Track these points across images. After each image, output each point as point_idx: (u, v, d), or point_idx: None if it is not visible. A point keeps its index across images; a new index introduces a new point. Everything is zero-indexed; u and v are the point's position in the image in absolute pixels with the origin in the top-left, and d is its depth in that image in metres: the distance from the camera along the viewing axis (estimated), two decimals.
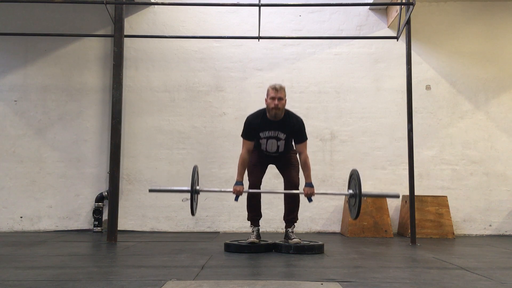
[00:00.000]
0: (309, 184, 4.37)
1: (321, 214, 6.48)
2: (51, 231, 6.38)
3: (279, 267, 3.63)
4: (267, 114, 4.41)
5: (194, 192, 4.25)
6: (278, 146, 4.47)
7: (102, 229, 6.33)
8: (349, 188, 4.48)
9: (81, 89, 6.68)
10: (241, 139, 4.53)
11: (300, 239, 4.46)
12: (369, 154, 6.58)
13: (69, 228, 6.46)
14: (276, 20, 6.73)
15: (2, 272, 3.31)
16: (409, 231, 5.35)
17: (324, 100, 6.66)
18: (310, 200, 4.39)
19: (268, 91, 4.39)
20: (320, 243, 4.48)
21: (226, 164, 6.50)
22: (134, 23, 6.75)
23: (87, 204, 6.49)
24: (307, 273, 3.35)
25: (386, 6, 6.70)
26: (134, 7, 6.75)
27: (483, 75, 6.71)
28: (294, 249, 4.29)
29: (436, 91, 6.68)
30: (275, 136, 4.43)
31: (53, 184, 6.53)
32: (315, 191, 4.38)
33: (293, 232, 4.53)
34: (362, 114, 6.64)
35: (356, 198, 4.25)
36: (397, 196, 4.77)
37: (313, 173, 6.49)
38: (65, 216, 6.48)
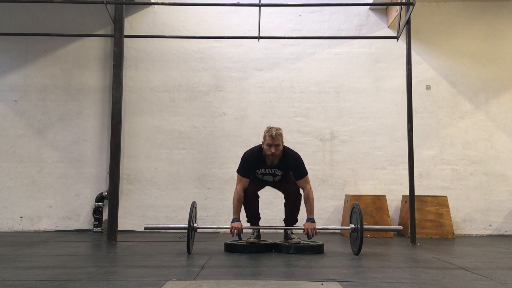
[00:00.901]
0: (310, 220, 4.34)
1: (321, 214, 6.47)
2: (51, 231, 6.38)
3: (279, 267, 3.63)
4: (265, 158, 4.41)
5: (191, 230, 4.22)
6: (274, 179, 4.52)
7: (102, 229, 6.33)
8: (350, 222, 4.45)
9: (81, 89, 6.68)
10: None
11: (300, 239, 4.45)
12: (369, 154, 6.58)
13: (69, 228, 6.46)
14: (276, 20, 6.73)
15: (2, 272, 3.31)
16: (409, 231, 5.35)
17: (324, 100, 6.66)
18: (309, 237, 4.36)
19: (265, 136, 4.33)
20: (320, 243, 4.48)
21: (226, 164, 6.50)
22: (134, 23, 6.75)
23: (87, 204, 6.49)
24: (307, 273, 3.35)
25: (386, 6, 6.70)
26: (134, 7, 6.75)
27: (483, 75, 6.71)
28: (294, 249, 4.29)
29: (436, 91, 6.68)
30: (271, 173, 4.47)
31: (53, 184, 6.53)
32: (315, 219, 4.40)
33: (292, 232, 4.52)
34: (362, 114, 6.64)
35: (358, 233, 4.22)
36: (399, 230, 4.74)
37: (313, 173, 6.52)
38: (65, 216, 6.48)
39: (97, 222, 6.37)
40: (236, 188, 4.43)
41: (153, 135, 6.61)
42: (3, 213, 6.47)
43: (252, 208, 4.50)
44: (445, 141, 6.61)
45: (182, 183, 6.54)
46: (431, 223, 6.02)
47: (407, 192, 5.47)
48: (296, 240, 4.41)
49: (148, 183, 6.53)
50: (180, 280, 2.95)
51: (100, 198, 6.41)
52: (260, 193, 4.61)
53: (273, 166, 4.40)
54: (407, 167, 5.38)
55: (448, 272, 3.46)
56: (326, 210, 6.49)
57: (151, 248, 4.73)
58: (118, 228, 5.35)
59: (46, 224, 6.47)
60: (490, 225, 6.49)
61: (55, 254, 4.31)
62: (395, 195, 6.47)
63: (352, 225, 4.36)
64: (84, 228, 6.46)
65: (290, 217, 4.53)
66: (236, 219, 4.35)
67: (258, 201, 4.54)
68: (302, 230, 4.38)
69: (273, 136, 4.25)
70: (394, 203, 6.46)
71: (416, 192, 5.45)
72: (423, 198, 6.09)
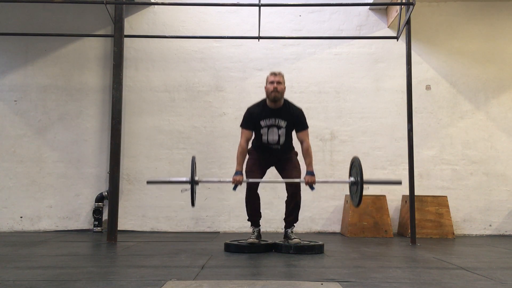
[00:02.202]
0: (310, 173, 4.40)
1: (321, 214, 6.48)
2: (51, 231, 6.38)
3: (279, 267, 3.63)
4: (267, 102, 4.47)
5: (193, 183, 4.27)
6: (279, 136, 4.47)
7: (102, 229, 6.33)
8: (350, 175, 4.50)
9: (81, 89, 6.68)
10: (241, 122, 4.55)
11: (300, 239, 4.45)
12: (369, 154, 6.58)
13: (69, 228, 6.46)
14: (276, 20, 6.73)
15: (2, 272, 3.31)
16: (409, 231, 5.35)
17: (324, 100, 6.66)
18: (312, 188, 4.42)
19: (267, 78, 4.48)
20: (320, 243, 4.48)
21: (226, 164, 6.50)
22: (134, 23, 6.75)
23: (87, 204, 6.49)
24: (307, 273, 3.35)
25: (386, 6, 6.70)
26: (134, 7, 6.75)
27: (483, 75, 6.71)
28: (294, 249, 4.29)
29: (436, 91, 6.68)
30: (275, 124, 4.45)
31: (53, 184, 6.53)
32: (315, 180, 4.40)
33: (292, 232, 4.52)
34: (362, 114, 6.64)
35: (358, 186, 4.27)
36: (399, 183, 4.77)
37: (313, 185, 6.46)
38: (65, 216, 6.49)
39: (97, 222, 6.37)
40: (240, 141, 4.48)
41: (153, 135, 6.61)
42: (3, 213, 6.47)
43: (253, 207, 4.50)
44: (445, 141, 6.61)
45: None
46: (431, 223, 6.02)
47: (407, 192, 5.47)
48: (296, 240, 4.41)
49: None
50: (180, 280, 2.95)
51: (100, 198, 6.41)
52: (260, 193, 4.58)
53: (276, 115, 4.42)
54: (407, 167, 5.38)
55: (448, 272, 3.46)
56: (326, 210, 6.49)
57: (151, 248, 4.73)
58: (118, 228, 5.35)
59: (46, 224, 6.47)
60: (490, 225, 6.49)
61: (55, 254, 4.31)
62: (395, 195, 6.47)
63: (352, 178, 4.40)
64: (84, 228, 6.46)
65: (292, 216, 4.52)
66: (239, 172, 4.38)
67: (259, 200, 4.53)
68: (304, 183, 4.40)
69: (275, 73, 4.42)
70: (394, 203, 6.46)
71: (416, 192, 5.45)
72: (423, 198, 6.09)
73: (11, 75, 6.67)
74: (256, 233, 4.51)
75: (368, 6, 6.71)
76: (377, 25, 6.77)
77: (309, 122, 6.50)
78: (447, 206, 6.11)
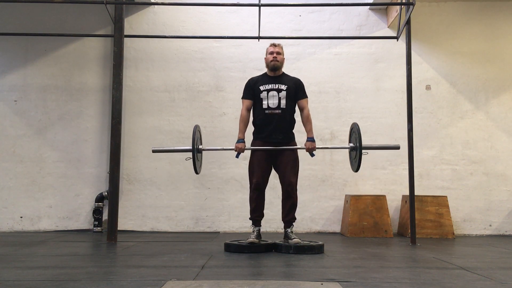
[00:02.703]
0: (310, 139, 4.53)
1: (321, 214, 6.48)
2: (51, 231, 6.38)
3: (279, 267, 3.63)
4: (267, 72, 4.64)
5: (196, 151, 4.41)
6: (279, 99, 4.51)
7: (102, 229, 6.33)
8: (350, 141, 4.63)
9: (81, 89, 6.68)
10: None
11: (300, 239, 4.46)
12: (369, 154, 6.52)
13: (69, 228, 6.46)
14: (276, 20, 6.73)
15: (2, 272, 3.31)
16: (409, 231, 5.35)
17: (324, 100, 6.66)
18: (312, 154, 4.55)
19: (267, 49, 4.66)
20: (320, 243, 4.48)
21: (226, 164, 6.50)
22: (134, 23, 6.75)
23: (87, 204, 6.49)
24: (307, 273, 3.35)
25: (386, 6, 6.70)
26: (134, 7, 6.75)
27: (483, 75, 6.71)
28: (294, 249, 4.29)
29: (436, 91, 6.68)
30: (275, 88, 4.54)
31: (53, 184, 6.53)
32: (316, 146, 4.55)
33: (292, 232, 4.52)
34: (362, 114, 6.64)
35: (357, 151, 4.41)
36: (397, 147, 4.81)
37: (313, 173, 6.52)
38: (65, 216, 6.49)
39: (97, 222, 6.37)
40: (241, 111, 4.63)
41: (153, 135, 6.61)
42: (3, 213, 6.47)
43: (257, 205, 4.52)
44: (445, 141, 6.62)
45: (182, 183, 6.54)
46: (431, 223, 6.02)
47: (407, 192, 5.47)
48: (296, 240, 4.41)
49: (148, 183, 6.53)
50: (180, 280, 2.95)
51: (100, 198, 6.41)
52: None
53: (276, 81, 4.55)
54: (407, 167, 5.38)
55: (448, 272, 3.46)
56: (326, 210, 6.49)
57: (151, 248, 4.73)
58: (118, 228, 5.36)
59: (46, 224, 6.47)
60: (490, 225, 6.49)
61: (55, 254, 4.31)
62: (395, 195, 6.47)
63: (351, 144, 4.54)
64: (84, 228, 6.47)
65: (289, 215, 4.52)
66: (241, 139, 4.53)
67: (264, 199, 4.56)
68: (305, 149, 4.54)
69: (275, 44, 4.63)
70: (394, 203, 6.46)
71: (416, 192, 5.45)
72: (423, 198, 6.09)
73: (11, 75, 6.67)
74: (256, 233, 4.51)
75: (368, 6, 6.71)
76: (377, 25, 6.77)
77: None
78: (447, 206, 6.11)
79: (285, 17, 6.77)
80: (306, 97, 4.69)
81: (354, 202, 6.03)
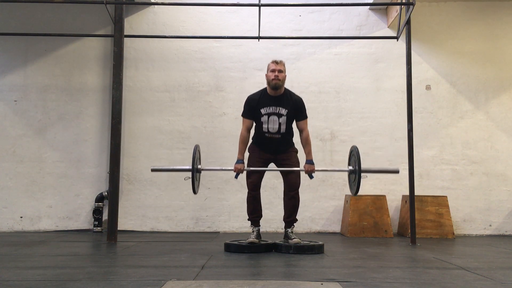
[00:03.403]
0: (309, 161, 4.45)
1: (321, 214, 6.48)
2: (51, 231, 6.38)
3: (279, 267, 3.63)
4: (268, 90, 4.50)
5: (195, 171, 4.37)
6: (279, 124, 4.46)
7: (102, 229, 6.33)
8: (349, 164, 4.56)
9: (81, 89, 6.68)
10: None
11: (300, 239, 4.45)
12: (369, 154, 6.57)
13: (69, 228, 6.46)
14: (276, 20, 6.73)
15: (2, 272, 3.31)
16: (409, 231, 5.35)
17: (324, 100, 6.66)
18: (311, 176, 4.48)
19: (268, 65, 4.51)
20: (320, 243, 4.48)
21: (226, 164, 6.44)
22: (134, 23, 6.75)
23: (87, 204, 6.49)
24: (307, 273, 3.35)
25: (386, 6, 6.70)
26: (134, 7, 6.75)
27: (483, 75, 6.71)
28: (294, 249, 4.29)
29: (436, 91, 6.68)
30: (276, 112, 4.45)
31: (53, 184, 6.53)
32: (315, 168, 4.48)
33: (292, 232, 4.52)
34: (362, 114, 6.64)
35: (356, 174, 4.33)
36: (396, 171, 4.81)
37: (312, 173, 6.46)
38: (65, 216, 6.49)
39: (97, 222, 6.37)
40: (241, 130, 4.53)
41: (153, 135, 6.61)
42: (3, 213, 6.47)
43: (254, 206, 4.51)
44: (445, 141, 6.62)
45: (182, 183, 6.48)
46: (431, 223, 6.02)
47: (407, 192, 5.47)
48: (296, 240, 4.41)
49: (148, 183, 6.53)
50: (180, 280, 2.95)
51: (100, 198, 6.41)
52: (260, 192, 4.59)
53: (276, 103, 4.44)
54: (407, 167, 5.38)
55: (448, 272, 3.46)
56: (326, 210, 6.49)
57: (151, 248, 4.73)
58: (118, 228, 5.35)
59: (46, 224, 6.47)
60: (490, 225, 6.49)
61: (55, 254, 4.31)
62: (395, 195, 6.47)
63: (350, 167, 4.46)
64: (84, 228, 6.47)
65: (291, 216, 4.52)
66: (240, 160, 4.46)
67: (260, 198, 4.54)
68: (304, 171, 4.47)
69: (277, 61, 4.46)
70: (394, 203, 6.46)
71: (416, 192, 5.45)
72: (423, 198, 6.09)
73: (11, 75, 6.67)
74: (255, 233, 4.51)
75: (368, 6, 6.71)
76: (377, 25, 6.77)
77: (309, 122, 6.55)
78: (447, 206, 6.11)
79: (285, 17, 6.77)
80: (306, 117, 4.54)
81: (354, 202, 6.03)
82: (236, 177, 4.50)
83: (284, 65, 4.50)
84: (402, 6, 5.58)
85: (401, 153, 6.38)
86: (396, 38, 5.95)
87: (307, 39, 6.60)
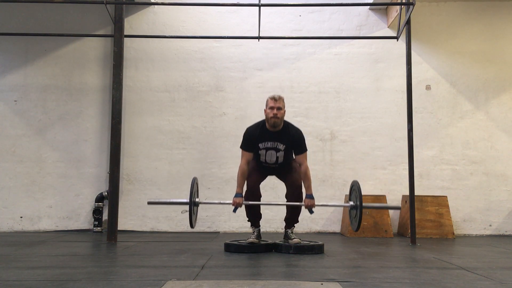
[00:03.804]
0: (309, 196, 4.35)
1: (321, 214, 6.47)
2: (51, 231, 6.38)
3: (279, 267, 3.63)
4: (266, 125, 4.41)
5: (193, 205, 4.25)
6: (277, 157, 4.45)
7: (102, 229, 6.33)
8: (350, 199, 4.48)
9: (81, 89, 6.68)
10: (240, 141, 4.51)
11: (300, 239, 4.45)
12: (369, 154, 6.58)
13: (69, 228, 6.46)
14: (276, 20, 6.73)
15: (2, 272, 3.31)
16: (409, 231, 5.35)
17: (324, 100, 6.66)
18: (311, 212, 4.39)
19: (267, 101, 4.40)
20: (320, 243, 4.48)
21: (226, 164, 6.50)
22: (134, 23, 6.75)
23: (87, 204, 6.49)
24: (307, 273, 3.35)
25: (386, 6, 6.70)
26: (134, 7, 6.75)
27: (483, 75, 6.70)
28: (294, 249, 4.29)
29: (436, 91, 6.68)
30: (274, 147, 4.41)
31: (53, 184, 6.53)
32: (315, 200, 4.36)
33: (293, 233, 4.52)
34: (362, 114, 6.64)
35: (357, 210, 4.25)
36: (398, 208, 4.77)
37: (313, 173, 6.48)
38: (65, 216, 6.48)
39: (97, 222, 6.37)
40: (240, 163, 4.45)
41: (153, 135, 6.61)
42: (3, 213, 6.47)
43: (252, 211, 4.50)
44: (445, 141, 6.61)
45: (182, 183, 6.53)
46: (431, 223, 6.02)
47: (407, 192, 5.47)
48: (296, 240, 4.40)
49: (148, 183, 6.53)
50: (180, 280, 2.95)
51: (100, 198, 6.41)
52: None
53: (275, 138, 4.38)
54: (407, 167, 5.38)
55: (448, 272, 3.46)
56: (326, 210, 6.49)
57: (151, 248, 4.73)
58: (118, 228, 5.35)
59: (46, 224, 6.47)
60: (490, 225, 6.49)
61: (55, 254, 4.31)
62: (395, 195, 6.47)
63: (352, 202, 4.39)
64: (84, 228, 6.46)
65: (292, 217, 4.52)
66: (239, 194, 4.36)
67: (259, 200, 4.52)
68: (304, 206, 4.40)
69: (276, 98, 4.36)
70: (394, 203, 6.45)
71: (416, 192, 5.45)
72: (423, 198, 6.09)
73: (11, 75, 6.67)
74: (256, 233, 4.51)
75: (368, 6, 6.71)
76: (377, 25, 6.77)
77: (309, 122, 6.59)
78: (447, 206, 6.11)
79: (285, 17, 6.77)
80: (305, 151, 4.44)
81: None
82: (234, 211, 4.38)
83: (283, 100, 4.38)
84: (402, 6, 5.58)
85: (401, 153, 6.38)
86: (396, 38, 5.95)
87: (307, 39, 6.60)
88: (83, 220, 6.49)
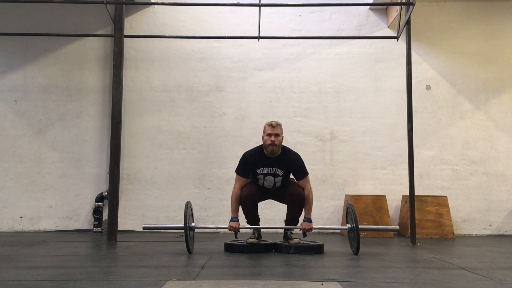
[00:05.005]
0: (308, 220, 4.35)
1: (321, 214, 6.47)
2: (51, 231, 6.38)
3: (279, 267, 3.63)
4: (265, 151, 4.40)
5: (188, 230, 4.22)
6: (275, 183, 4.44)
7: (102, 229, 6.33)
8: (347, 222, 4.47)
9: (81, 89, 6.68)
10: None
11: (300, 239, 4.45)
12: (369, 154, 6.58)
13: (69, 228, 6.46)
14: (276, 20, 6.73)
15: (2, 272, 3.31)
16: (409, 231, 5.35)
17: (324, 100, 6.66)
18: (304, 235, 4.40)
19: (264, 128, 4.40)
20: (320, 243, 4.48)
21: (226, 164, 6.49)
22: (134, 23, 6.75)
23: (87, 204, 6.49)
24: (307, 273, 3.35)
25: (386, 6, 6.70)
26: (134, 7, 6.75)
27: (483, 75, 6.70)
28: (294, 249, 4.29)
29: (436, 91, 6.68)
30: (272, 173, 4.40)
31: (53, 184, 6.53)
32: (313, 226, 4.37)
33: (292, 233, 4.52)
34: (362, 114, 6.64)
35: (354, 233, 4.23)
36: (397, 230, 4.74)
37: (313, 173, 6.51)
38: (65, 216, 6.48)
39: (97, 222, 6.37)
40: (234, 187, 4.43)
41: (153, 135, 6.61)
42: (3, 213, 6.47)
43: (250, 211, 4.46)
44: (445, 141, 6.61)
45: (182, 183, 6.54)
46: (431, 223, 6.02)
47: (407, 192, 5.47)
48: (296, 240, 4.40)
49: (148, 183, 6.53)
50: (180, 280, 2.95)
51: (100, 198, 6.41)
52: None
53: (273, 164, 4.37)
54: (407, 167, 5.38)
55: (448, 272, 3.46)
56: (326, 210, 6.49)
57: (151, 248, 4.73)
58: (118, 228, 5.35)
59: (46, 224, 6.47)
60: (490, 225, 6.49)
61: (55, 254, 4.31)
62: (395, 195, 6.47)
63: (349, 225, 4.37)
64: (84, 228, 6.46)
65: (293, 219, 4.50)
66: (234, 218, 4.34)
67: (256, 204, 4.50)
68: (299, 229, 4.40)
69: (273, 125, 4.34)
70: (394, 203, 6.46)
71: (416, 192, 5.45)
72: (423, 198, 6.09)
73: (11, 75, 6.67)
74: (256, 233, 4.51)
75: (368, 6, 6.71)
76: (377, 25, 6.77)
77: (309, 122, 6.59)
78: (447, 206, 6.11)
79: (285, 17, 6.77)
80: (306, 174, 4.42)
81: (354, 202, 6.02)
82: (235, 236, 4.41)
83: (281, 127, 4.38)
84: (402, 6, 5.58)
85: (401, 153, 6.38)
86: (396, 38, 5.95)
87: (307, 39, 6.60)
88: (83, 220, 6.49)
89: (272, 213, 6.21)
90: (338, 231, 6.43)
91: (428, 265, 3.79)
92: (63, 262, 3.82)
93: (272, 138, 4.30)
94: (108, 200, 5.51)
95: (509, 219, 6.50)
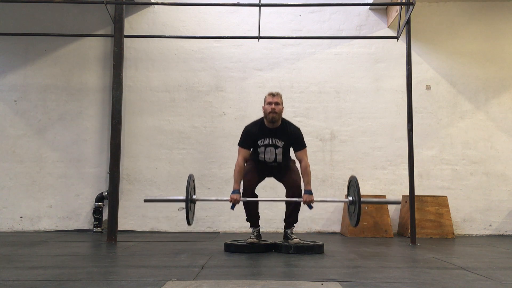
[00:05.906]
0: (308, 192, 4.34)
1: (321, 214, 6.47)
2: (51, 231, 6.38)
3: (279, 267, 3.63)
4: (265, 122, 4.44)
5: (189, 202, 4.23)
6: (276, 155, 4.45)
7: (102, 229, 6.34)
8: (348, 195, 4.48)
9: (81, 89, 6.68)
10: (238, 140, 4.51)
11: (300, 239, 4.45)
12: (369, 154, 6.58)
13: (69, 228, 6.46)
14: (276, 20, 6.73)
15: (2, 272, 3.31)
16: (409, 231, 5.35)
17: (324, 100, 6.66)
18: (310, 207, 4.37)
19: (265, 97, 4.45)
20: (320, 243, 4.48)
21: (226, 164, 6.50)
22: (134, 23, 6.75)
23: (87, 204, 6.49)
24: (307, 273, 3.35)
25: (386, 6, 6.70)
26: (134, 7, 6.75)
27: (483, 75, 6.71)
28: (294, 249, 4.29)
29: (436, 91, 6.68)
30: (273, 144, 4.43)
31: (53, 184, 6.53)
32: (314, 197, 4.34)
33: (292, 233, 4.51)
34: (362, 114, 6.64)
35: (356, 205, 4.24)
36: (398, 202, 4.75)
37: (313, 173, 6.50)
38: (65, 216, 6.49)
39: (97, 222, 6.37)
40: (237, 160, 4.45)
41: (153, 135, 6.61)
42: (3, 213, 6.47)
43: (251, 208, 4.48)
44: (445, 141, 6.62)
45: (182, 183, 6.45)
46: (431, 223, 6.02)
47: (407, 192, 5.47)
48: (296, 240, 4.40)
49: (148, 183, 6.53)
50: (180, 280, 2.95)
51: (100, 198, 6.41)
52: (259, 193, 4.60)
53: (273, 134, 4.40)
54: (407, 167, 5.38)
55: (448, 272, 3.46)
56: (326, 210, 6.49)
57: (151, 248, 4.73)
58: (118, 228, 5.35)
59: (46, 224, 6.47)
60: (490, 225, 6.49)
61: (55, 254, 4.31)
62: (395, 195, 6.47)
63: (350, 198, 4.38)
64: (84, 228, 6.47)
65: (292, 216, 4.51)
66: (236, 190, 4.35)
67: (257, 203, 4.51)
68: (302, 202, 4.37)
69: (273, 94, 4.41)
70: None
71: (416, 192, 5.45)
72: (423, 198, 6.09)
73: (11, 75, 6.67)
74: (256, 233, 4.51)
75: (368, 6, 6.72)
76: (377, 25, 6.77)
77: (309, 122, 6.59)
78: (447, 206, 6.11)
79: (285, 17, 6.77)
80: (304, 147, 4.47)
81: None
82: (232, 207, 4.34)
83: (281, 97, 4.43)
84: (402, 6, 5.58)
85: (401, 153, 6.38)
86: (396, 38, 5.95)
87: (307, 39, 6.60)
88: (83, 220, 6.49)
89: (272, 213, 6.21)
90: (338, 230, 6.44)
91: (428, 265, 3.79)
92: (63, 262, 3.82)
93: (273, 106, 4.34)
94: (108, 200, 5.51)
95: (509, 219, 6.50)
